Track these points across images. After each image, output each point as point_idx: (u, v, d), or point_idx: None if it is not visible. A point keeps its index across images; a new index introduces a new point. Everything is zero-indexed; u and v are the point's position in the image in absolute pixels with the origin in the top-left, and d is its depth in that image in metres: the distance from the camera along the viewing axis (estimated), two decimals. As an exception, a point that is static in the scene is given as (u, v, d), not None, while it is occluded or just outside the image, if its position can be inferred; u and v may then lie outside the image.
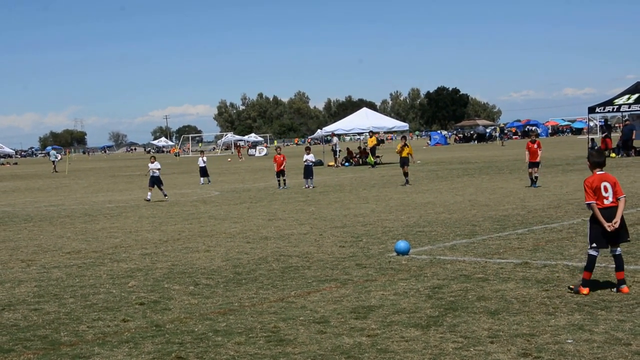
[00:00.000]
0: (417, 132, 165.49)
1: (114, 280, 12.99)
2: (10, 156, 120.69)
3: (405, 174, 32.56)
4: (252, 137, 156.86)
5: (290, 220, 20.79)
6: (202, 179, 40.60)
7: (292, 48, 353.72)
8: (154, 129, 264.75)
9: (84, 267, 14.52)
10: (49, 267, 14.72)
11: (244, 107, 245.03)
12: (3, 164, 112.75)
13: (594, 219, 10.19)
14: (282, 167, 33.69)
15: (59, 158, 76.81)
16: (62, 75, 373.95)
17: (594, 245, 10.21)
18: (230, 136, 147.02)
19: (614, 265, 10.42)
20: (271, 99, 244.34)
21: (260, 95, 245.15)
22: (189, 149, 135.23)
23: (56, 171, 69.05)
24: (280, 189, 32.81)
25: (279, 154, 34.18)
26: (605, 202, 10.09)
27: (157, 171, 29.65)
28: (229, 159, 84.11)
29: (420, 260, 13.57)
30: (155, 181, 29.44)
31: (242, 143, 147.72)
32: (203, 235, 18.42)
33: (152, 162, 30.02)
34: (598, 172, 10.29)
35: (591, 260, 10.22)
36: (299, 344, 8.52)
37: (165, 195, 29.80)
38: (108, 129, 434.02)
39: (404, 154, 32.74)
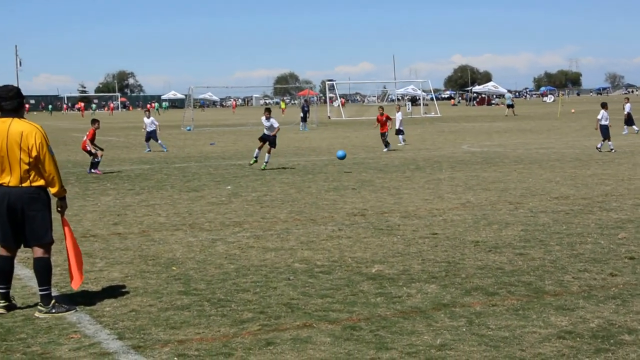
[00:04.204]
0: None
1: (602, 230, 12.87)
2: (503, 96, 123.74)
3: None
4: None
5: None
6: None
7: None
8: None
9: (572, 214, 14.59)
10: (536, 211, 15.05)
11: None
12: (497, 104, 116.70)
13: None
14: None
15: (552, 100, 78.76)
16: (560, 11, 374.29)
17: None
18: None
19: None
20: None
21: None
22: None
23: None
24: None
25: None
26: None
27: None
28: None
29: None
30: None
31: None
32: None
33: None
34: None
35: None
36: None
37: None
38: (605, 69, 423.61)
39: None
